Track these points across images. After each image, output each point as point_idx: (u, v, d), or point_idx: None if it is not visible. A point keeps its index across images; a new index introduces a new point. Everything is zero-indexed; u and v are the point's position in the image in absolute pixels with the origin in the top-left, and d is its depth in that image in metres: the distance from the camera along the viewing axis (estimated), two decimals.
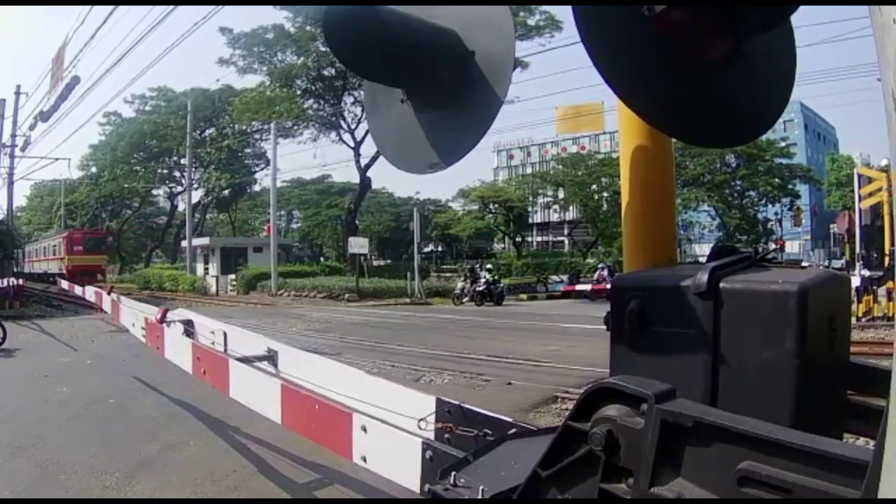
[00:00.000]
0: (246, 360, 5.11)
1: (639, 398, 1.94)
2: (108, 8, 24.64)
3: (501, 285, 40.87)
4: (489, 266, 45.60)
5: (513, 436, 3.04)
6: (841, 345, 2.31)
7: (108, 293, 10.13)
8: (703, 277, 2.10)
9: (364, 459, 3.43)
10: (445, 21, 2.63)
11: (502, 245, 78.61)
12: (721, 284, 2.10)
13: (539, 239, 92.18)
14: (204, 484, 7.35)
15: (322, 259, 74.37)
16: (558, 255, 66.36)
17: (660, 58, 2.26)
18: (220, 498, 7.28)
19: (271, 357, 5.42)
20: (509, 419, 3.51)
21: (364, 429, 3.37)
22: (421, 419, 3.64)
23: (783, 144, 60.02)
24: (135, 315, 7.93)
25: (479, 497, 2.57)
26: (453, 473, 2.71)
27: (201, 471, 7.70)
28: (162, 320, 6.83)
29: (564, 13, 39.74)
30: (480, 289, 38.94)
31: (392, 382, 4.27)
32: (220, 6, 22.76)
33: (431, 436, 3.56)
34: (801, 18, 2.39)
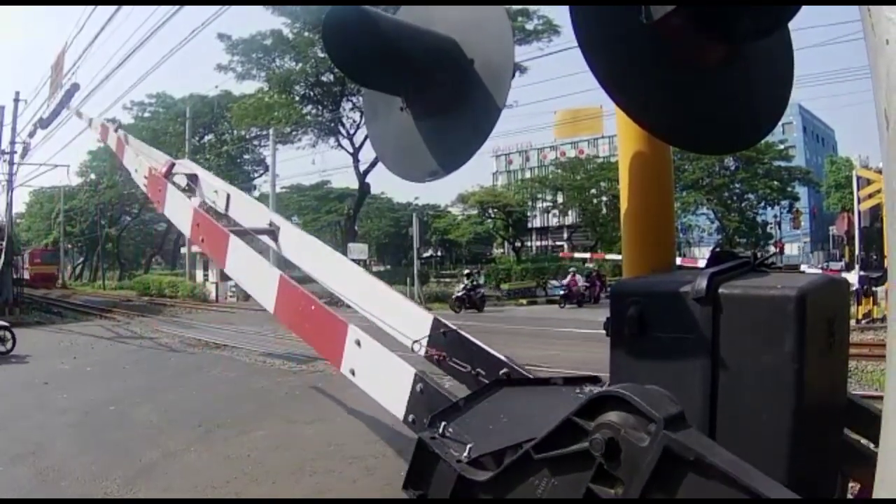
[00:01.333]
0: (245, 233, 4.93)
1: (648, 417, 1.96)
2: (107, 15, 24.64)
3: (482, 290, 39.81)
4: (466, 271, 44.25)
5: (505, 382, 3.05)
6: (840, 348, 2.31)
7: (115, 130, 9.10)
8: (702, 283, 2.10)
9: (352, 373, 3.42)
10: (444, 29, 2.64)
11: (501, 250, 78.42)
12: (720, 290, 2.11)
13: (538, 243, 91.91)
14: (204, 491, 7.34)
15: None
16: (558, 260, 66.26)
17: (657, 64, 2.26)
18: (220, 498, 7.28)
19: (273, 232, 5.16)
20: (503, 357, 3.53)
21: (358, 343, 3.35)
22: (416, 340, 3.64)
23: (782, 147, 59.93)
24: (139, 162, 7.45)
25: (466, 454, 2.63)
26: (443, 423, 2.75)
27: (202, 478, 7.70)
28: (167, 175, 6.45)
29: (562, 18, 39.83)
30: (459, 294, 37.92)
31: (391, 290, 4.16)
32: (223, 6, 22.65)
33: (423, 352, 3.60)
34: (798, 21, 2.40)
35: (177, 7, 21.34)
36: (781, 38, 2.63)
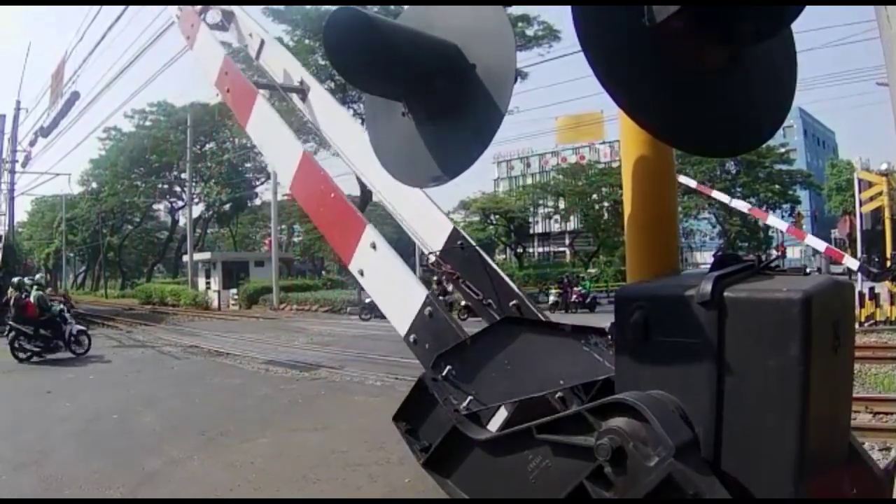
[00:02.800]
0: (274, 87, 4.75)
1: (661, 440, 2.00)
2: (107, 23, 24.75)
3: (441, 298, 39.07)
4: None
5: (515, 321, 3.00)
6: (845, 351, 2.30)
7: None
8: (707, 287, 2.09)
9: (361, 273, 3.35)
10: (446, 34, 2.63)
11: (504, 256, 78.39)
12: (725, 293, 2.10)
13: (540, 249, 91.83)
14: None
15: (324, 273, 74.25)
16: (560, 266, 66.15)
17: (660, 66, 2.25)
18: (220, 498, 7.29)
19: (303, 91, 4.83)
20: (516, 288, 3.48)
21: (373, 246, 3.26)
22: (431, 252, 3.60)
23: (783, 150, 60.04)
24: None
25: (465, 405, 2.70)
26: (447, 367, 2.76)
27: (204, 486, 7.70)
28: (201, 13, 5.85)
29: (563, 24, 39.87)
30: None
31: (418, 191, 3.80)
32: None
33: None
34: (799, 23, 2.39)
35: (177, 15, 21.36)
36: (784, 41, 2.63)
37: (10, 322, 20.09)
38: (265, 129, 4.21)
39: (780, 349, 1.99)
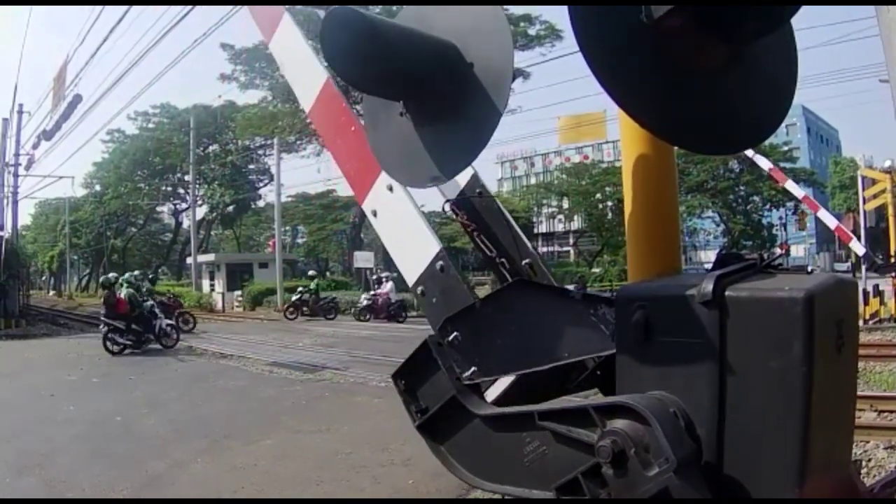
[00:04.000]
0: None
1: (663, 452, 2.01)
2: (109, 26, 24.78)
3: (325, 297, 37.49)
4: (312, 273, 43.66)
5: (526, 285, 2.99)
6: (850, 350, 2.29)
7: None
8: (709, 286, 2.07)
9: (374, 214, 3.27)
10: (443, 33, 2.61)
11: None
12: (727, 293, 2.08)
13: (544, 249, 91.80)
14: None
15: (328, 273, 74.32)
16: (564, 265, 66.11)
17: (659, 64, 2.24)
18: (220, 498, 7.28)
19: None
20: (530, 246, 3.44)
21: (390, 188, 3.15)
22: (447, 200, 3.53)
23: (786, 148, 59.95)
24: None
25: (468, 374, 2.72)
26: (454, 333, 2.77)
27: (208, 489, 7.69)
28: None
29: (564, 23, 39.81)
30: (294, 298, 36.87)
31: None
32: (227, 5, 22.61)
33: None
34: (801, 21, 2.37)
35: (180, 17, 21.34)
36: (784, 38, 2.61)
37: (103, 318, 21.66)
38: (289, 46, 3.98)
39: (782, 349, 1.98)
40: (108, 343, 20.98)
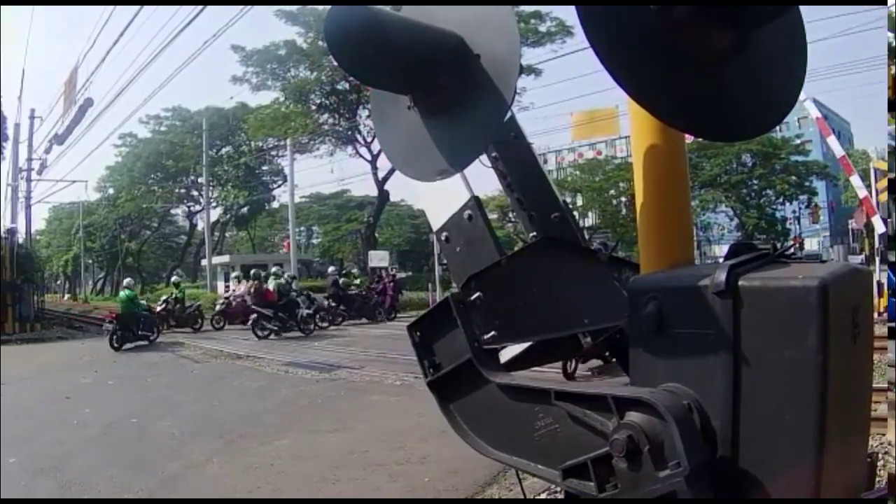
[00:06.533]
0: None
1: (677, 455, 1.99)
2: (119, 29, 24.93)
3: (191, 305, 31.16)
4: (175, 278, 36.60)
5: (553, 242, 2.99)
6: (865, 339, 2.26)
7: None
8: (721, 276, 2.05)
9: None
10: (449, 25, 2.60)
11: None
12: (740, 282, 2.05)
13: None
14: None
15: (343, 273, 74.47)
16: None
17: (668, 51, 2.22)
18: (220, 498, 7.29)
19: None
20: (560, 199, 3.37)
21: None
22: (488, 143, 3.32)
23: (798, 142, 59.76)
24: None
25: (488, 338, 2.69)
26: (478, 293, 2.74)
27: (224, 489, 7.70)
28: None
29: (575, 19, 39.72)
30: (160, 307, 29.46)
31: None
32: (237, 5, 22.62)
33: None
34: (813, 13, 2.35)
35: (189, 19, 21.38)
36: (792, 23, 2.58)
37: (253, 306, 25.19)
38: None
39: (797, 338, 1.95)
40: (258, 329, 24.19)
